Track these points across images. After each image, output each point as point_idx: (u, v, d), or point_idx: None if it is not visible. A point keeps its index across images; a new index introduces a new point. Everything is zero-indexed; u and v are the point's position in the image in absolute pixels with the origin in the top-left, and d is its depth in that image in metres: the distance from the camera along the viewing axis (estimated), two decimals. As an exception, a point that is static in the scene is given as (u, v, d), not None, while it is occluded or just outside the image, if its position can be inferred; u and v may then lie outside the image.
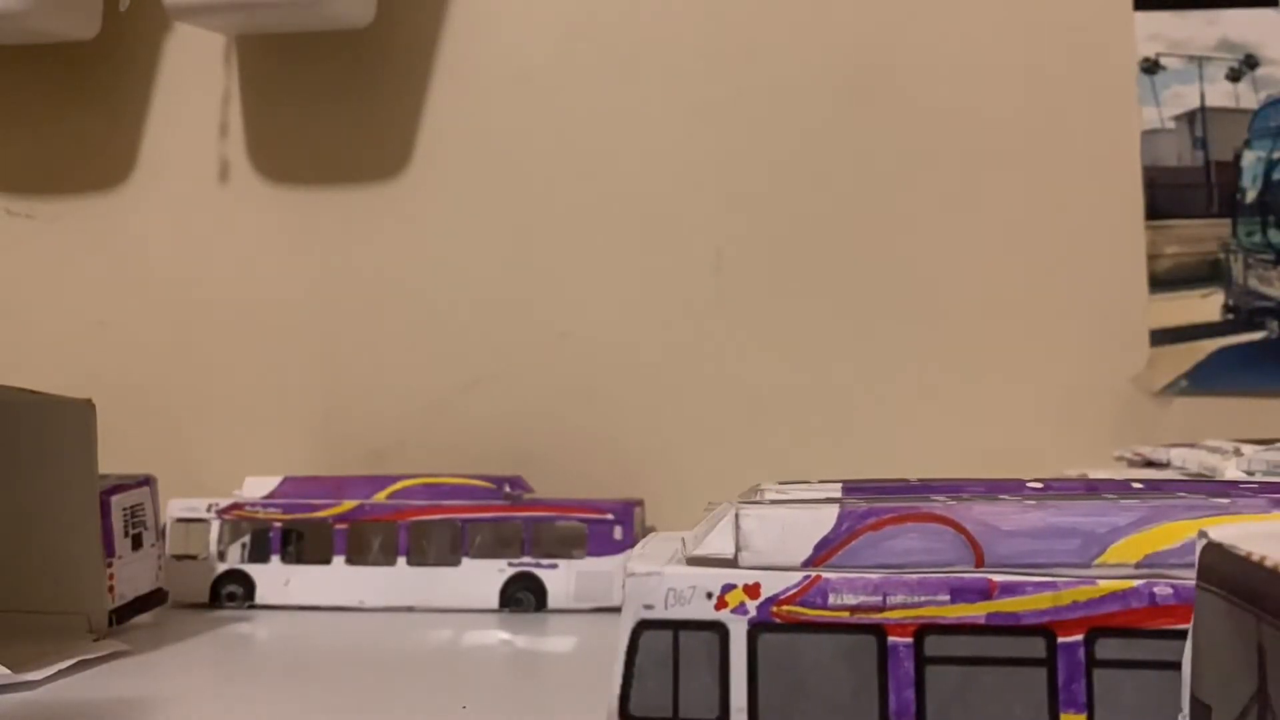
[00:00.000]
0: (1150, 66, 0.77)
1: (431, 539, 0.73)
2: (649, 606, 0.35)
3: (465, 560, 0.71)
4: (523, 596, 0.70)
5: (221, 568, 0.72)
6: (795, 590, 0.34)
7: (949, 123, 0.79)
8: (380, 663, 0.59)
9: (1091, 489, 0.40)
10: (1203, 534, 0.25)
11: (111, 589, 0.63)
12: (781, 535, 0.35)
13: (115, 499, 0.64)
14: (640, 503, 0.74)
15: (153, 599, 0.66)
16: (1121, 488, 0.40)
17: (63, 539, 0.63)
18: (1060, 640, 0.33)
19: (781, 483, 0.43)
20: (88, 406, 0.63)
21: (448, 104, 0.84)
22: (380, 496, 0.73)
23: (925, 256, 0.79)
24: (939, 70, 0.79)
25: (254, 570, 0.72)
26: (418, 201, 0.84)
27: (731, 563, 0.35)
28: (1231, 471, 0.55)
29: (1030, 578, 0.33)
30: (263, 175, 0.86)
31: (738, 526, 0.35)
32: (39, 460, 0.63)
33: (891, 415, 0.79)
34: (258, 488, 0.74)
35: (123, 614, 0.63)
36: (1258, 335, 0.77)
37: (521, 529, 0.71)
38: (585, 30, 0.82)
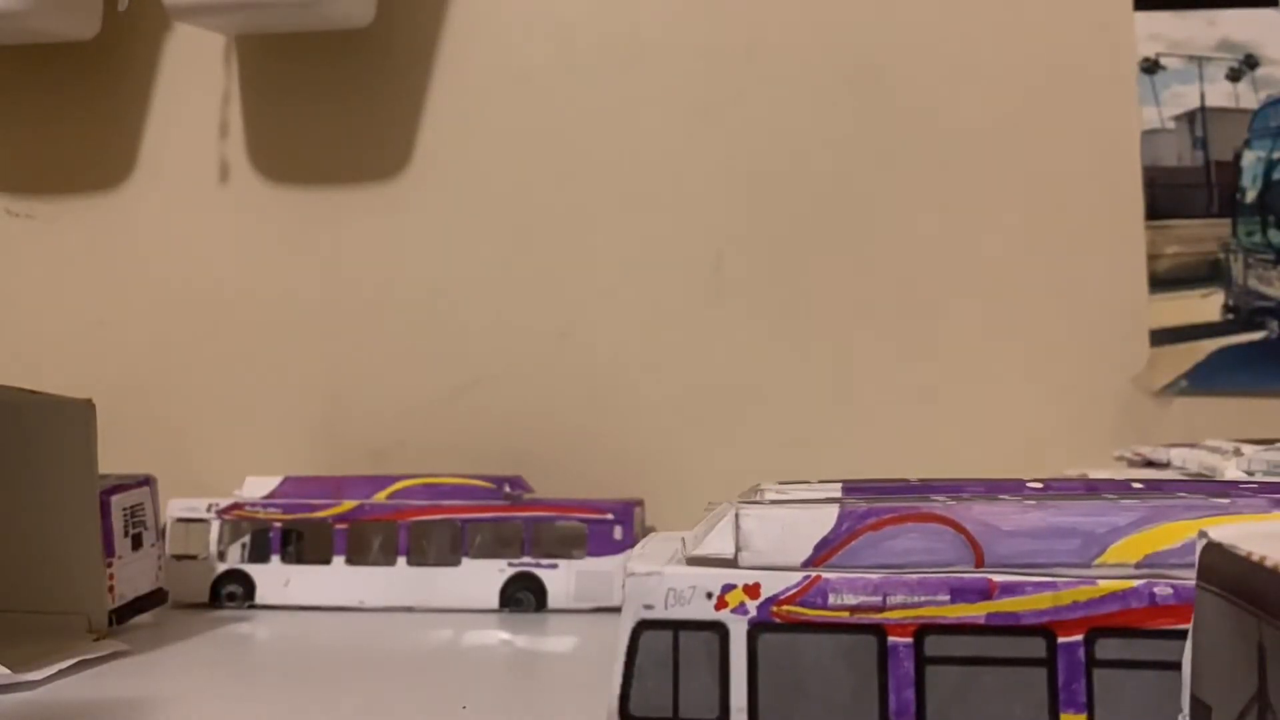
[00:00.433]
0: (1150, 66, 0.77)
1: (431, 539, 0.73)
2: (649, 606, 0.35)
3: (465, 560, 0.71)
4: (523, 596, 0.70)
5: (221, 568, 0.72)
6: (795, 590, 0.34)
7: (949, 123, 0.79)
8: (380, 663, 0.59)
9: (1091, 489, 0.40)
10: (1203, 534, 0.25)
11: (111, 589, 0.63)
12: (781, 535, 0.35)
13: (115, 499, 0.64)
14: (640, 503, 0.74)
15: (153, 599, 0.66)
16: (1121, 488, 0.40)
17: (63, 539, 0.63)
18: (1060, 640, 0.33)
19: (781, 483, 0.43)
20: (88, 406, 0.63)
21: (448, 104, 0.84)
22: (380, 496, 0.73)
23: (925, 256, 0.79)
24: (939, 70, 0.79)
25: (254, 570, 0.72)
26: (418, 201, 0.84)
27: (731, 563, 0.35)
28: (1232, 471, 0.55)
29: (1030, 578, 0.33)
30: (263, 175, 0.86)
31: (738, 526, 0.35)
32: (39, 460, 0.63)
33: (891, 415, 0.79)
34: (258, 488, 0.74)
35: (123, 614, 0.63)
36: (1258, 335, 0.77)
37: (521, 529, 0.71)
38: (585, 30, 0.82)
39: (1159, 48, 0.77)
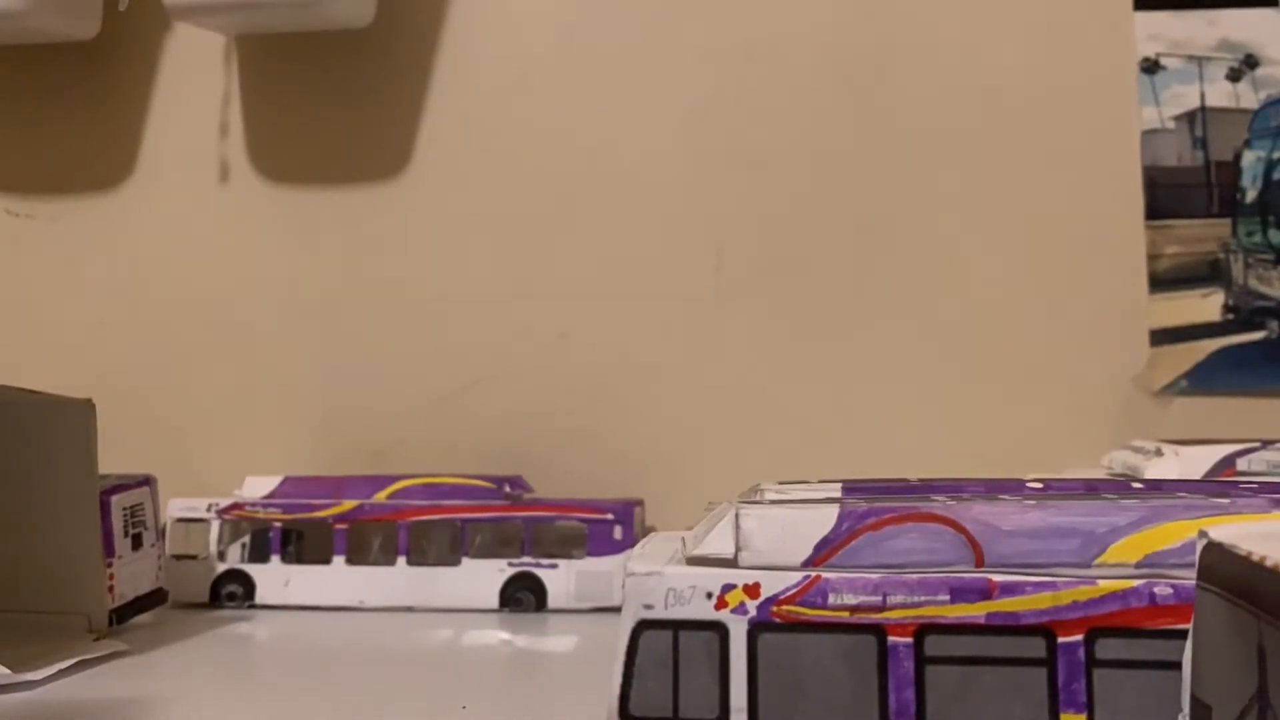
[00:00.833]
0: (1150, 66, 0.77)
1: (431, 539, 0.73)
2: (649, 606, 0.35)
3: (465, 560, 0.71)
4: (523, 596, 0.70)
5: (221, 568, 0.72)
6: (795, 590, 0.34)
7: (949, 123, 0.79)
8: (380, 663, 0.59)
9: (1091, 489, 0.40)
10: (1203, 534, 0.25)
11: (111, 589, 0.63)
12: (781, 535, 0.35)
13: (115, 499, 0.64)
14: (640, 503, 0.74)
15: (153, 599, 0.66)
16: (1121, 488, 0.40)
17: (63, 539, 0.63)
18: (1060, 640, 0.33)
19: (781, 483, 0.43)
20: (88, 406, 0.63)
21: (448, 104, 0.84)
22: (380, 496, 0.73)
23: (925, 256, 0.79)
24: (939, 71, 0.79)
25: (254, 570, 0.72)
26: (418, 201, 0.84)
27: (731, 563, 0.35)
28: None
29: (1030, 578, 0.33)
30: (263, 175, 0.86)
31: (738, 526, 0.35)
32: (39, 460, 0.63)
33: (892, 415, 0.79)
34: (258, 488, 0.74)
35: (123, 614, 0.64)
36: (1258, 335, 0.77)
37: (521, 529, 0.71)
38: (585, 30, 0.82)
39: (1159, 48, 0.77)
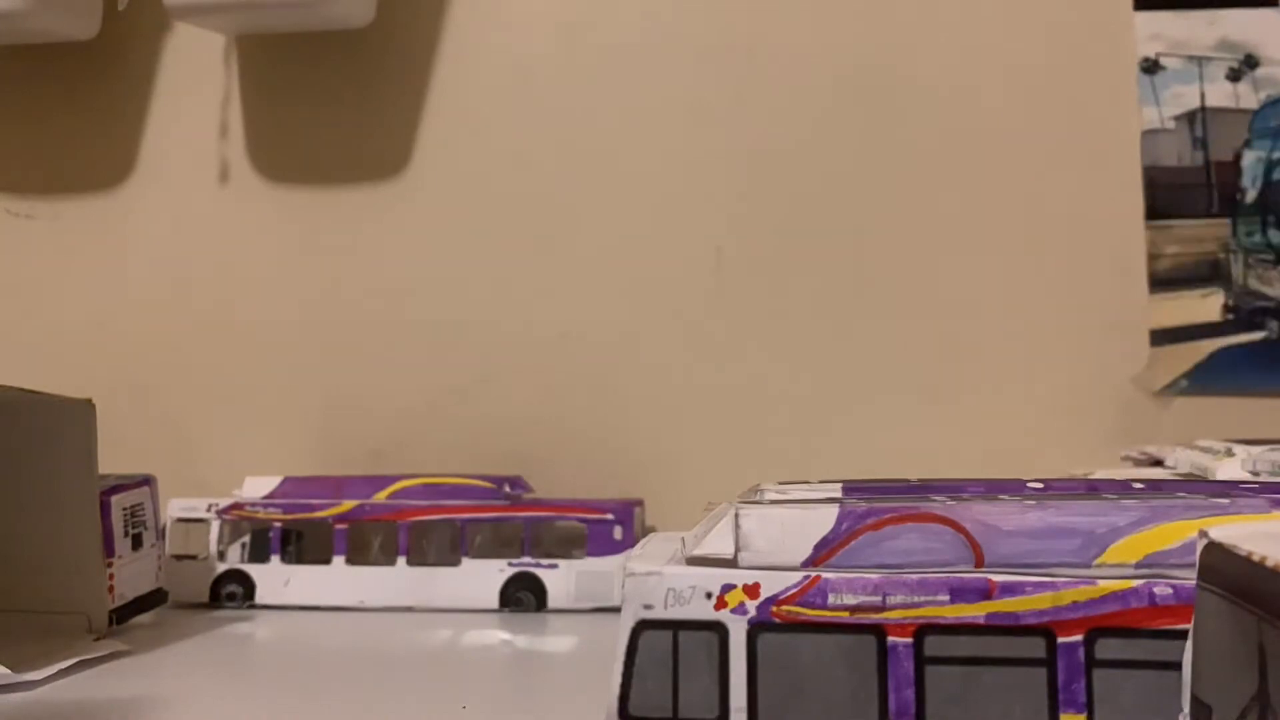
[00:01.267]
0: (1150, 66, 0.77)
1: (431, 539, 0.73)
2: (649, 606, 0.35)
3: (465, 560, 0.71)
4: (523, 596, 0.70)
5: (221, 568, 0.72)
6: (795, 590, 0.34)
7: (949, 123, 0.79)
8: (380, 663, 0.59)
9: (1091, 489, 0.40)
10: (1203, 534, 0.25)
11: (111, 589, 0.63)
12: (781, 535, 0.35)
13: (115, 499, 0.64)
14: (640, 503, 0.74)
15: (153, 599, 0.66)
16: (1121, 488, 0.40)
17: (63, 539, 0.63)
18: (1060, 640, 0.33)
19: (781, 483, 0.43)
20: (88, 406, 0.63)
21: (448, 104, 0.84)
22: (380, 496, 0.73)
23: (925, 256, 0.79)
24: (939, 71, 0.79)
25: (254, 570, 0.72)
26: (418, 201, 0.84)
27: (731, 563, 0.35)
28: (1224, 472, 0.56)
29: (1030, 578, 0.33)
30: (263, 175, 0.86)
31: (738, 526, 0.35)
32: (39, 460, 0.63)
33: (892, 415, 0.79)
34: (258, 488, 0.74)
35: (123, 614, 0.63)
36: (1258, 335, 0.77)
37: (521, 529, 0.71)
38: (585, 30, 0.82)
39: (1159, 48, 0.77)
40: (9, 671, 0.53)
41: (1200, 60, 0.77)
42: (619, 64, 0.82)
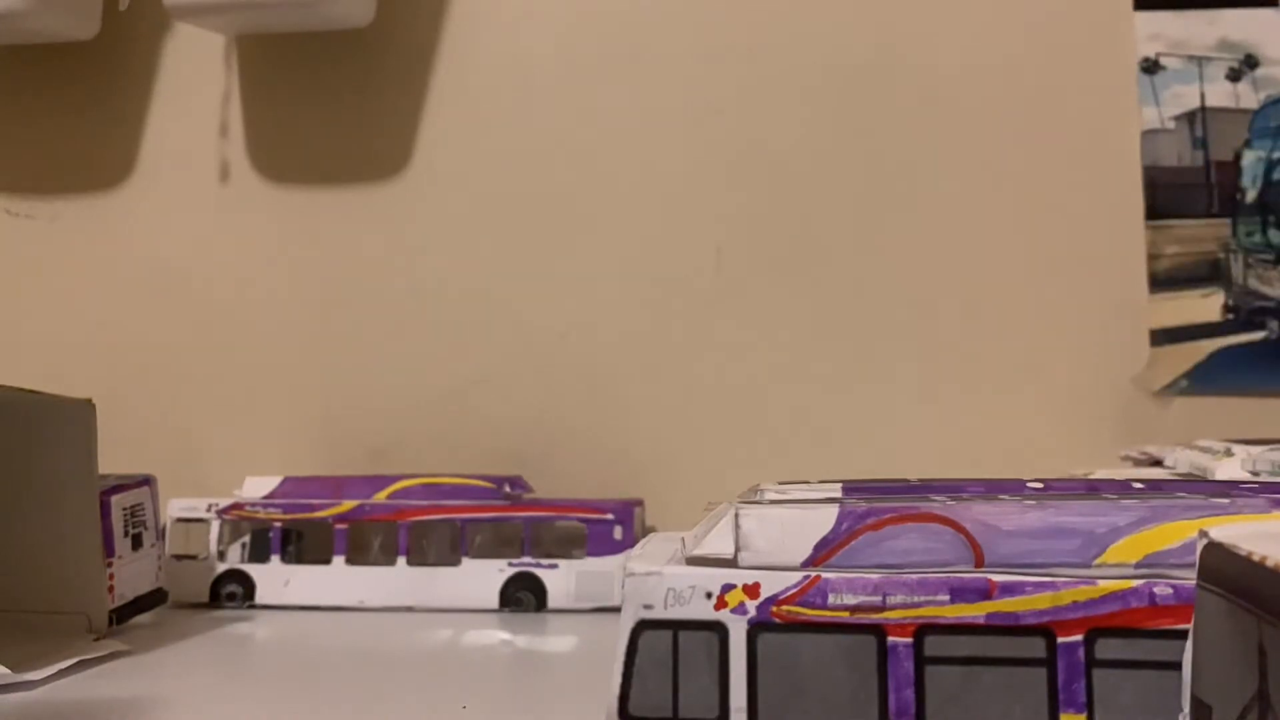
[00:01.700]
0: (1150, 66, 0.77)
1: (431, 539, 0.73)
2: (649, 606, 0.35)
3: (465, 560, 0.71)
4: (523, 596, 0.70)
5: (221, 568, 0.72)
6: (795, 590, 0.34)
7: (948, 122, 0.79)
8: (380, 663, 0.59)
9: (1091, 489, 0.40)
10: (1203, 534, 0.25)
11: (111, 589, 0.63)
12: (781, 535, 0.35)
13: (115, 499, 0.64)
14: (640, 503, 0.74)
15: (153, 599, 0.66)
16: (1121, 488, 0.40)
17: (63, 539, 0.63)
18: (1060, 640, 0.33)
19: (781, 483, 0.43)
20: (88, 406, 0.63)
21: (447, 104, 0.84)
22: (380, 496, 0.73)
23: (925, 256, 0.79)
24: (938, 70, 0.79)
25: (254, 570, 0.72)
26: (417, 201, 0.84)
27: (731, 563, 0.35)
28: (1223, 471, 0.56)
29: (1030, 578, 0.33)
30: (262, 175, 0.86)
31: (737, 526, 0.35)
32: (39, 460, 0.63)
33: (892, 415, 0.79)
34: (258, 488, 0.74)
35: (123, 614, 0.63)
36: (1258, 335, 0.77)
37: (521, 529, 0.71)
38: (585, 29, 0.82)
39: (1159, 47, 0.77)
40: (9, 671, 0.53)
41: (1200, 60, 0.77)
42: (619, 63, 0.82)
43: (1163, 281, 0.77)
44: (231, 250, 0.86)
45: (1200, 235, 0.77)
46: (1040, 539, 0.34)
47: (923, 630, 0.33)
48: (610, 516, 0.71)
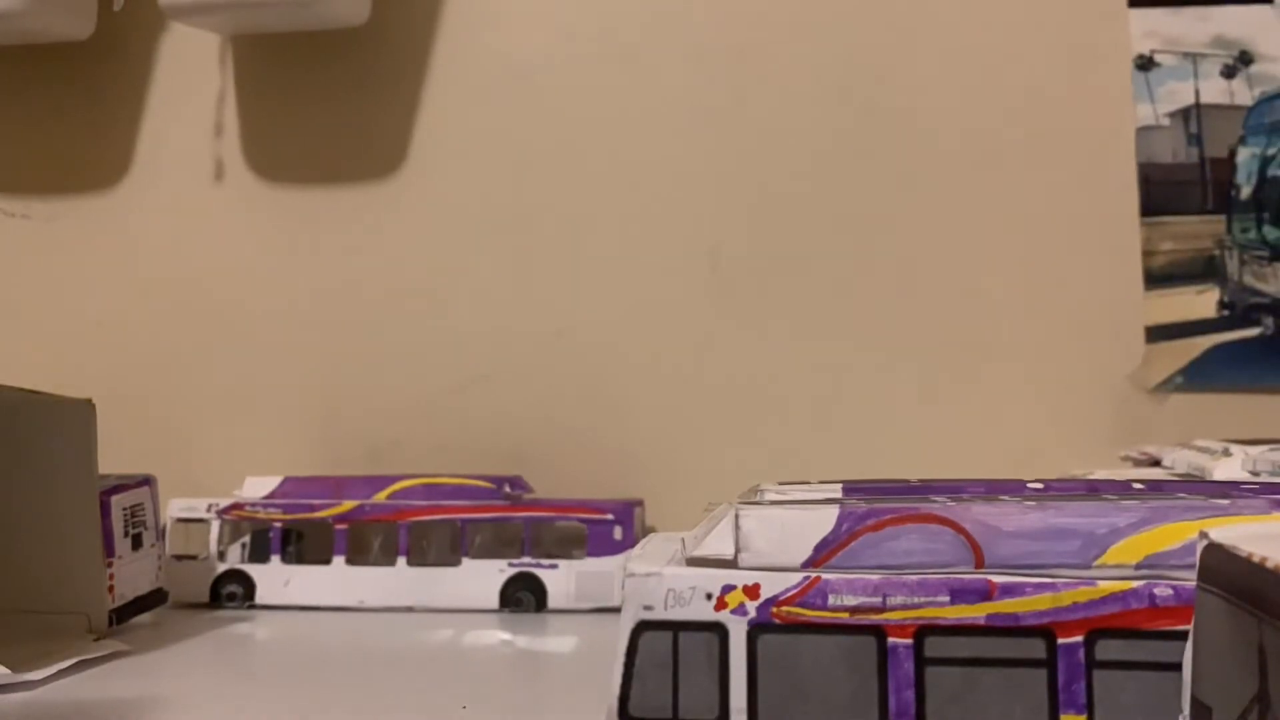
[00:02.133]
0: (1145, 63, 0.78)
1: (431, 539, 0.73)
2: (649, 607, 0.35)
3: (465, 560, 0.71)
4: (523, 596, 0.70)
5: (221, 568, 0.72)
6: (795, 591, 0.34)
7: (945, 121, 0.79)
8: (380, 663, 0.59)
9: (1091, 490, 0.40)
10: (1204, 535, 0.25)
11: (111, 589, 0.63)
12: (781, 536, 0.35)
13: (115, 499, 0.64)
14: (640, 503, 0.74)
15: (153, 599, 0.66)
16: (1121, 489, 0.40)
17: (63, 539, 0.63)
18: (1060, 641, 0.33)
19: (781, 483, 0.43)
20: (88, 406, 0.63)
21: (444, 103, 0.84)
22: (380, 496, 0.73)
23: (922, 255, 0.79)
24: (935, 68, 0.79)
25: (254, 570, 0.72)
26: (415, 200, 0.84)
27: (731, 563, 0.35)
28: (1220, 471, 0.56)
29: (1030, 579, 0.34)
30: (259, 175, 0.86)
31: (738, 527, 0.35)
32: (39, 460, 0.63)
33: (891, 415, 0.79)
34: (258, 488, 0.75)
35: (123, 614, 0.64)
36: (1253, 332, 0.77)
37: (521, 529, 0.71)
38: (582, 30, 0.82)
39: (1153, 44, 0.78)
40: (9, 671, 0.53)
41: (1195, 57, 0.77)
42: (616, 63, 0.82)
43: (1158, 278, 0.78)
44: (229, 249, 0.86)
45: (1195, 232, 0.77)
46: (1040, 540, 0.34)
47: (923, 631, 0.34)
48: (610, 516, 0.71)
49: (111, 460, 0.64)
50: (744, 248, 0.80)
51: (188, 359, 0.85)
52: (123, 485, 0.65)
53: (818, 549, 0.35)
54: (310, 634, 0.66)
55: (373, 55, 0.84)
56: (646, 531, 0.72)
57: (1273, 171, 0.77)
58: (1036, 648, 0.33)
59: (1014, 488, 0.40)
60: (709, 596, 0.35)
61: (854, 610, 0.34)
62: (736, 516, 0.36)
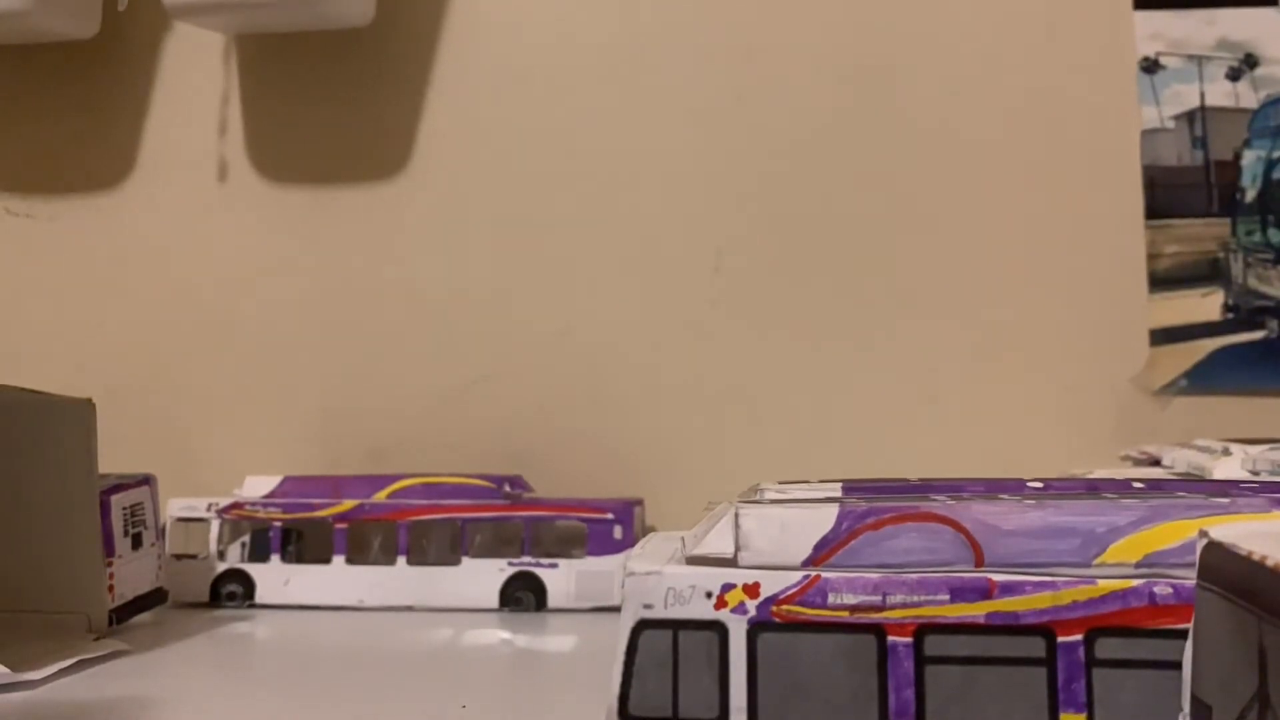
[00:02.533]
0: (1150, 66, 0.77)
1: (431, 539, 0.73)
2: (649, 606, 0.35)
3: (465, 560, 0.71)
4: (523, 596, 0.70)
5: (221, 567, 0.72)
6: (795, 590, 0.34)
7: (949, 123, 0.79)
8: (380, 662, 0.59)
9: (1091, 489, 0.40)
10: (1203, 533, 0.25)
11: (111, 589, 0.63)
12: (781, 535, 0.35)
13: (115, 499, 0.64)
14: (640, 503, 0.74)
15: (153, 598, 0.66)
16: (1121, 487, 0.40)
17: (63, 539, 0.63)
18: (1060, 640, 0.33)
19: (781, 483, 0.43)
20: (88, 406, 0.63)
21: (447, 103, 0.84)
22: (380, 496, 0.73)
23: (925, 257, 0.79)
24: (938, 69, 0.79)
25: (254, 570, 0.72)
26: (417, 200, 0.84)
27: (731, 562, 0.35)
28: (1221, 471, 0.56)
29: (1030, 577, 0.33)
30: (262, 174, 0.86)
31: (738, 526, 0.35)
32: (39, 460, 0.63)
33: (892, 415, 0.79)
34: (258, 487, 0.74)
35: (123, 614, 0.63)
36: (1257, 334, 0.77)
37: (521, 529, 0.71)
38: (584, 30, 0.82)
39: (1159, 47, 0.77)
40: (9, 671, 0.53)
41: (1200, 59, 0.77)
42: (619, 64, 0.82)
43: (1162, 281, 0.77)
44: (231, 250, 0.86)
45: (1200, 234, 0.77)
46: (1040, 539, 0.34)
47: (923, 630, 0.33)
48: (610, 516, 0.70)
49: (111, 460, 0.64)
50: (746, 249, 0.80)
51: (188, 358, 0.85)
52: (123, 485, 0.65)
53: (818, 548, 0.35)
54: (310, 633, 0.66)
55: (377, 55, 0.84)
56: (646, 531, 0.72)
57: (1278, 174, 0.77)
58: (1036, 646, 0.33)
59: (1014, 487, 0.40)
60: (709, 595, 0.35)
61: (854, 609, 0.34)
62: (736, 515, 0.36)
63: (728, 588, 0.35)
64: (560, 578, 0.70)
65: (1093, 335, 0.77)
